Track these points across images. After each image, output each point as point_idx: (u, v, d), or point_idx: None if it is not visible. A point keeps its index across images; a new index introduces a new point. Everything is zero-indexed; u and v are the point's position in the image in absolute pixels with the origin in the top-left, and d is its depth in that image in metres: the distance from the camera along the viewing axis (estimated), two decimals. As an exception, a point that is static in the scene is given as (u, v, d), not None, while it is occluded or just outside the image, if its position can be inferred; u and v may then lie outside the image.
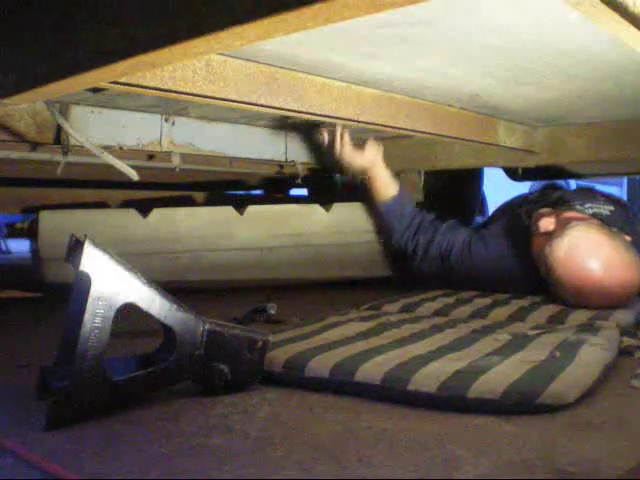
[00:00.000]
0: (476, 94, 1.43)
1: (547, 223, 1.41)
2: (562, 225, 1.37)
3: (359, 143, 1.65)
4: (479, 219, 2.90)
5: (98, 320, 0.74)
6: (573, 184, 3.54)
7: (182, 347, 0.81)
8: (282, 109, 1.16)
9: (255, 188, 3.06)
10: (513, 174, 2.73)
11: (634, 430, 0.72)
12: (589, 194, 1.76)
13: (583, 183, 3.61)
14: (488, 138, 1.70)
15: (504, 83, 1.33)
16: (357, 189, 2.57)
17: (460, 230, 1.69)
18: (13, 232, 2.20)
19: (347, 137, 1.59)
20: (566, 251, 1.31)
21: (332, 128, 1.59)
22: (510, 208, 1.79)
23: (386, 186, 1.63)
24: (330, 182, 2.91)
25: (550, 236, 1.37)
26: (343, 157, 1.58)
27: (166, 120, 1.72)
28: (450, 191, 2.60)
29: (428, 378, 0.83)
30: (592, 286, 1.30)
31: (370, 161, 1.63)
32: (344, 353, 0.95)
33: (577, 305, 1.34)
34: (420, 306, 1.43)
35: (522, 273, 1.53)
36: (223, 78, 1.04)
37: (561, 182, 3.32)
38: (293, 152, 2.08)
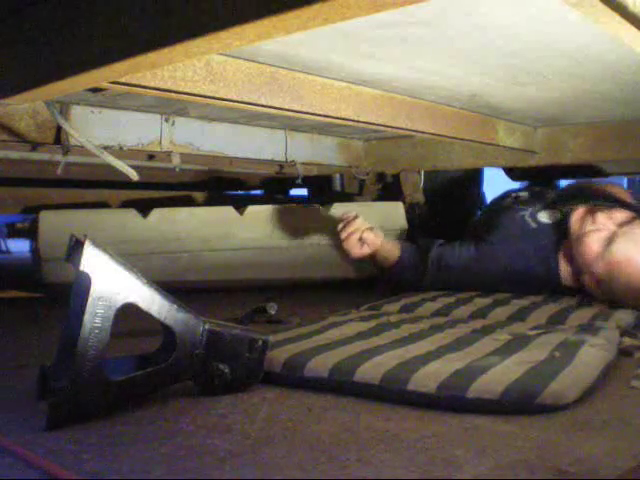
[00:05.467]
0: (476, 94, 1.43)
1: (604, 219, 1.40)
2: (615, 225, 1.38)
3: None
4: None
5: (98, 320, 0.74)
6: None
7: (182, 347, 0.81)
8: (282, 109, 1.16)
9: (255, 188, 3.06)
10: (513, 174, 2.73)
11: (634, 430, 0.72)
12: (588, 191, 1.76)
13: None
14: (488, 138, 1.70)
15: (504, 83, 1.33)
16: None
17: (460, 248, 1.67)
18: (13, 232, 2.20)
19: (357, 227, 1.56)
20: (632, 251, 1.32)
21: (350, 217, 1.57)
22: (504, 209, 1.77)
23: (388, 255, 1.62)
24: (330, 182, 2.91)
25: (603, 236, 1.37)
26: (345, 245, 1.57)
27: (166, 120, 1.72)
28: (450, 191, 2.60)
29: (427, 378, 0.83)
30: None
31: (369, 254, 1.61)
32: (343, 353, 0.95)
33: (634, 305, 1.34)
34: (420, 306, 1.43)
35: (536, 272, 1.53)
36: (223, 78, 1.04)
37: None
38: (293, 152, 2.09)
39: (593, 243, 1.39)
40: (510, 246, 1.58)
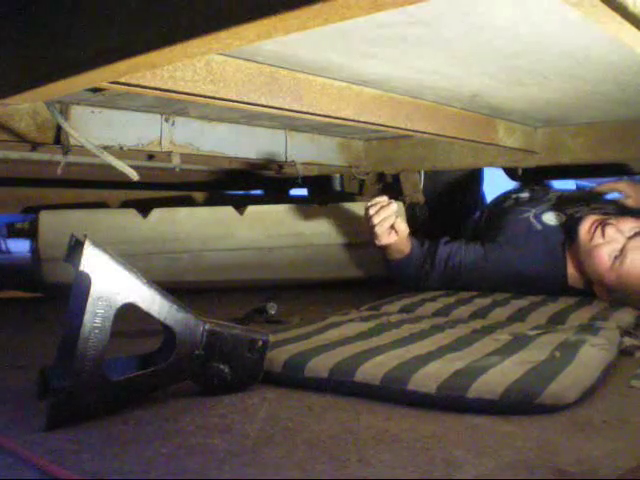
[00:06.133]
0: (476, 94, 1.43)
1: (613, 232, 1.40)
2: (625, 238, 1.39)
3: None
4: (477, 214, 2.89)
5: (98, 320, 0.74)
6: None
7: (182, 347, 0.81)
8: (282, 109, 1.16)
9: (255, 188, 3.06)
10: (513, 174, 2.73)
11: (634, 430, 0.72)
12: (586, 194, 1.76)
13: (583, 183, 3.61)
14: (488, 138, 1.70)
15: (504, 83, 1.33)
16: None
17: (467, 247, 1.66)
18: (13, 232, 2.19)
19: (390, 213, 1.50)
20: None
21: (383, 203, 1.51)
22: (507, 210, 1.77)
23: (402, 248, 1.58)
24: (330, 182, 2.92)
25: (613, 249, 1.39)
26: (377, 229, 1.50)
27: (166, 120, 1.72)
28: (450, 191, 2.60)
29: (428, 378, 0.83)
30: None
31: (392, 243, 1.56)
32: (344, 353, 0.95)
33: None
34: (420, 306, 1.43)
35: (544, 274, 1.54)
36: (223, 78, 1.04)
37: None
38: (293, 152, 2.09)
39: (604, 256, 1.40)
40: (517, 247, 1.59)
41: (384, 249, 1.58)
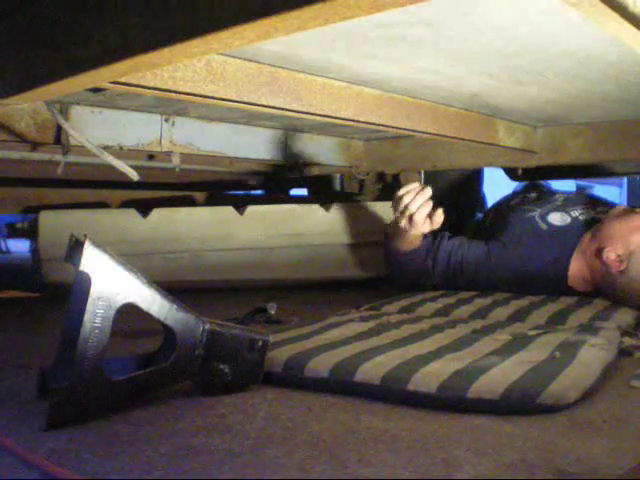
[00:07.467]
0: (476, 94, 1.43)
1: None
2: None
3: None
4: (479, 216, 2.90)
5: (98, 320, 0.73)
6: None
7: (182, 347, 0.81)
8: (282, 109, 1.16)
9: (255, 188, 3.06)
10: (513, 174, 2.73)
11: (634, 430, 0.72)
12: (592, 198, 1.77)
13: (583, 183, 3.61)
14: (488, 138, 1.70)
15: (504, 83, 1.33)
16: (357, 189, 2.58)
17: (470, 244, 1.65)
18: (13, 232, 2.20)
19: (427, 199, 1.43)
20: None
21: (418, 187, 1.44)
22: (513, 208, 1.77)
23: (416, 239, 1.55)
24: (330, 182, 2.91)
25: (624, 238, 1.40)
26: (416, 217, 1.42)
27: (166, 120, 1.72)
28: (450, 191, 2.60)
29: (428, 378, 0.83)
30: None
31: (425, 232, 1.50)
32: (344, 353, 0.95)
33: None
34: (420, 306, 1.43)
35: (546, 274, 1.54)
36: (223, 78, 1.04)
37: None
38: (293, 152, 2.09)
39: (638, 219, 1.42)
40: (520, 246, 1.59)
41: (398, 239, 1.53)
